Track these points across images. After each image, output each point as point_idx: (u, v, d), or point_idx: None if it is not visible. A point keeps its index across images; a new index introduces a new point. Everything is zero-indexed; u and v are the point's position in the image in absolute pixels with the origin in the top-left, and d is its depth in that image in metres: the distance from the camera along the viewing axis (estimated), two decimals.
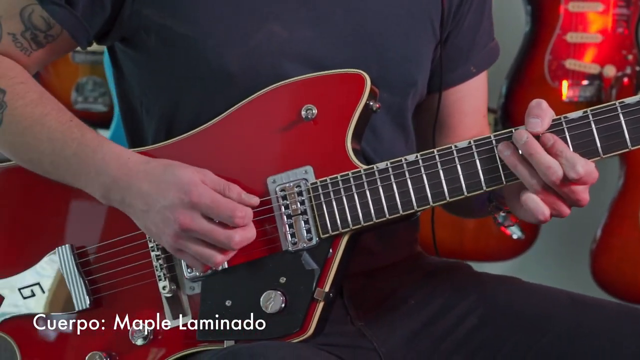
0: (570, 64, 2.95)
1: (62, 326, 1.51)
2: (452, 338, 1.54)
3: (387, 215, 1.41)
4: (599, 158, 1.36)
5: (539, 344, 1.49)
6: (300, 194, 1.43)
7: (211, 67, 1.49)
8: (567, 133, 1.36)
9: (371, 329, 1.54)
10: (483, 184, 1.39)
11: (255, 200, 1.42)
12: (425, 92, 1.64)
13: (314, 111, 1.44)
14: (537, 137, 1.36)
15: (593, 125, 1.36)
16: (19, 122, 1.48)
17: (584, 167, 1.34)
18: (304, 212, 1.43)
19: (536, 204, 1.37)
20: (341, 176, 1.42)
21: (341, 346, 1.51)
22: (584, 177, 1.34)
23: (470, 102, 1.68)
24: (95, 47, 3.51)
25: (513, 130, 1.38)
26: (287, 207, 1.44)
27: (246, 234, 1.41)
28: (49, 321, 1.51)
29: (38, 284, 1.51)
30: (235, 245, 1.40)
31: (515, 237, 3.08)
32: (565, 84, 2.95)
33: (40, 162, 1.49)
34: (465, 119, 1.67)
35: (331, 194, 1.43)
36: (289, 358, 1.35)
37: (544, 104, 1.37)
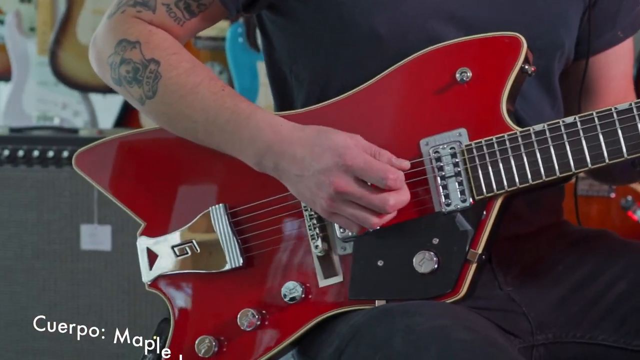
0: None
1: (214, 284, 1.53)
2: (602, 304, 1.52)
3: (544, 178, 1.41)
4: None
5: None
6: (454, 155, 1.43)
7: (361, 31, 1.50)
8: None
9: (519, 294, 1.54)
10: None
11: (406, 164, 1.43)
12: (572, 57, 1.63)
13: (468, 74, 1.44)
14: None
15: None
16: (173, 92, 1.51)
17: None
18: (458, 174, 1.43)
19: None
20: (496, 138, 1.42)
21: (490, 309, 1.50)
22: None
23: (618, 68, 1.67)
24: (216, 33, 3.57)
25: None
26: (440, 169, 1.44)
27: (401, 197, 1.41)
28: (201, 279, 1.54)
29: (192, 242, 1.54)
30: (389, 209, 1.41)
31: None
32: None
33: (194, 131, 1.51)
34: (611, 84, 1.66)
35: (486, 156, 1.42)
36: (444, 315, 1.35)
37: None
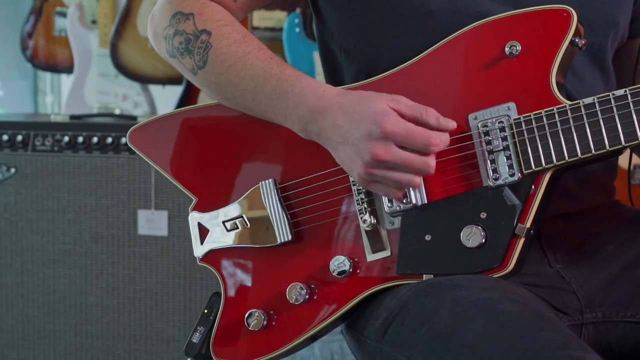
0: None
1: (264, 258, 1.55)
2: None
3: (594, 151, 1.39)
4: None
5: None
6: (502, 129, 1.43)
7: (412, 6, 1.50)
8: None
9: (569, 272, 1.53)
10: None
11: (453, 124, 1.43)
12: (626, 35, 1.61)
13: (518, 47, 1.44)
14: None
15: None
16: (223, 61, 1.53)
17: None
18: (506, 148, 1.43)
19: None
20: (545, 112, 1.41)
21: (540, 286, 1.50)
22: None
23: None
24: (274, 24, 3.60)
25: None
26: (489, 143, 1.44)
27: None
28: (251, 253, 1.55)
29: (242, 217, 1.56)
30: (432, 170, 1.41)
31: None
32: None
33: (243, 99, 1.53)
34: None
35: (535, 130, 1.42)
36: (491, 289, 1.35)
37: None
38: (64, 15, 4.05)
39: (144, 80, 3.90)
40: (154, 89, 4.01)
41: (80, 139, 2.84)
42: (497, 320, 1.29)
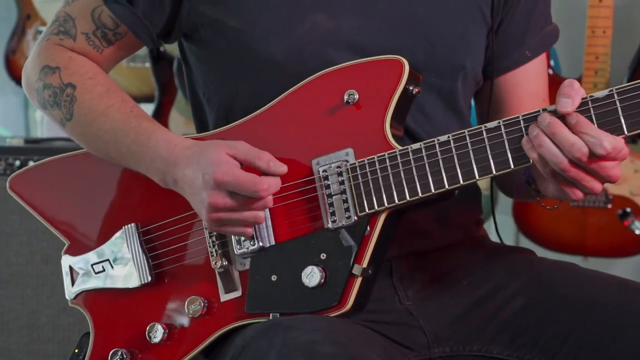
0: None
1: (128, 299, 1.62)
2: (499, 319, 1.56)
3: (420, 194, 1.45)
4: (623, 135, 1.36)
5: (582, 327, 1.50)
6: (340, 174, 1.49)
7: (260, 57, 1.56)
8: (592, 112, 1.37)
9: (419, 308, 1.58)
10: (511, 162, 1.41)
11: (284, 168, 1.49)
12: (480, 78, 1.66)
13: (355, 96, 1.50)
14: (564, 117, 1.38)
15: (618, 104, 1.36)
16: (87, 114, 1.60)
17: (612, 143, 1.34)
18: (343, 192, 1.49)
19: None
20: (378, 157, 1.47)
21: (386, 323, 1.56)
22: (612, 153, 1.35)
23: (528, 87, 1.69)
24: None
25: (541, 111, 1.40)
26: (328, 187, 1.50)
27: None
28: (116, 294, 1.63)
29: (108, 260, 1.64)
30: (262, 221, 1.48)
31: (637, 232, 3.02)
32: None
33: (107, 151, 1.61)
34: (524, 104, 1.68)
35: (368, 174, 1.48)
36: (322, 329, 1.40)
37: (575, 84, 1.38)
38: None
39: None
40: None
41: (31, 163, 2.92)
42: None
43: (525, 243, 3.21)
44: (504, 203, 3.22)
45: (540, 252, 3.12)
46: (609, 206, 3.07)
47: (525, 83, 1.69)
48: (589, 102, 1.37)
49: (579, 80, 3.06)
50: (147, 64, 3.83)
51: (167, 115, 3.79)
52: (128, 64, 3.89)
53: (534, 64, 1.69)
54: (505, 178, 1.63)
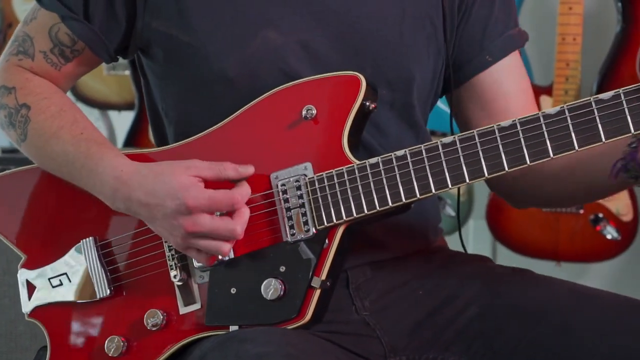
0: None
1: (86, 313, 1.63)
2: (453, 327, 1.59)
3: (378, 208, 1.48)
4: (574, 151, 1.40)
5: (533, 334, 1.53)
6: (298, 188, 1.51)
7: (213, 73, 1.58)
8: (544, 128, 1.40)
9: (376, 319, 1.61)
10: (466, 176, 1.44)
11: (251, 169, 1.52)
12: (436, 89, 1.69)
13: (313, 111, 1.52)
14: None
15: (569, 121, 1.39)
16: (40, 135, 1.61)
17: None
18: (302, 206, 1.51)
19: None
20: (336, 171, 1.50)
21: (343, 333, 1.57)
22: None
23: (498, 90, 1.69)
24: None
25: (494, 126, 1.43)
26: (286, 201, 1.52)
27: (243, 218, 1.50)
28: (74, 308, 1.63)
29: (65, 274, 1.64)
30: (238, 236, 1.49)
31: (609, 237, 3.07)
32: None
33: (60, 172, 1.62)
34: (501, 104, 1.69)
35: (326, 188, 1.50)
36: (275, 342, 1.42)
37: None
38: None
39: (102, 106, 3.99)
40: (112, 114, 4.10)
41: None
42: None
43: (502, 248, 3.26)
44: (480, 209, 3.24)
45: (514, 258, 3.18)
46: (581, 211, 3.12)
47: (495, 85, 1.69)
48: (541, 118, 1.40)
49: (550, 87, 3.12)
50: (127, 72, 3.84)
51: (147, 122, 3.80)
52: (109, 71, 3.90)
53: (502, 66, 1.70)
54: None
